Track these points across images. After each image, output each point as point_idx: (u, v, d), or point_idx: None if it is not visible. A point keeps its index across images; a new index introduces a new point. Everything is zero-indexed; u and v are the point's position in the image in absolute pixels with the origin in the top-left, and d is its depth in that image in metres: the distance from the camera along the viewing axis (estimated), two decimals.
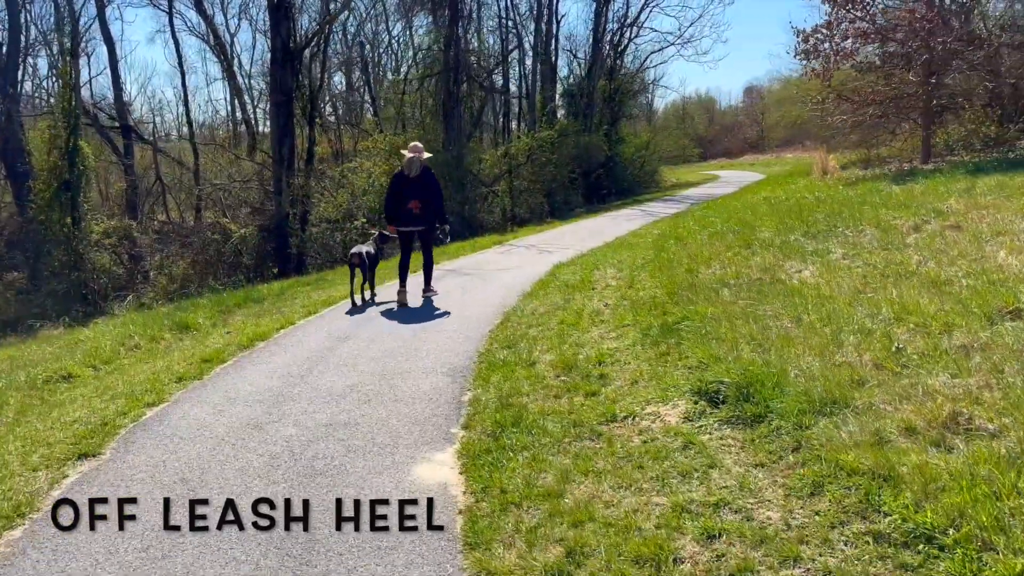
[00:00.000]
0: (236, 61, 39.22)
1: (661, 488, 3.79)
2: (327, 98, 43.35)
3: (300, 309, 9.90)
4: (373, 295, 9.91)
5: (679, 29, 55.81)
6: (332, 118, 38.91)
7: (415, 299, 9.62)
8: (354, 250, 9.59)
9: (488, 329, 7.82)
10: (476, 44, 32.66)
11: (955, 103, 15.17)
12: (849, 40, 15.13)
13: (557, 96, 39.57)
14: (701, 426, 4.42)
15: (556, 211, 30.51)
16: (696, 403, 4.70)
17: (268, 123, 32.17)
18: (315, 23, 32.87)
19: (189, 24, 48.41)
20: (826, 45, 15.92)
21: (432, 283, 9.78)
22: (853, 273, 6.85)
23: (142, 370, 7.33)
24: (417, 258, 10.02)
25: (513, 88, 41.51)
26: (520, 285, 10.38)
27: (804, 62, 17.03)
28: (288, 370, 6.75)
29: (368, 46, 42.60)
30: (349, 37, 41.77)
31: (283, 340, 8.09)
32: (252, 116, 38.76)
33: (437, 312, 9.02)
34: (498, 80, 35.62)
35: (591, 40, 38.92)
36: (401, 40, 42.83)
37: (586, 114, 35.72)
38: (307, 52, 29.63)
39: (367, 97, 42.04)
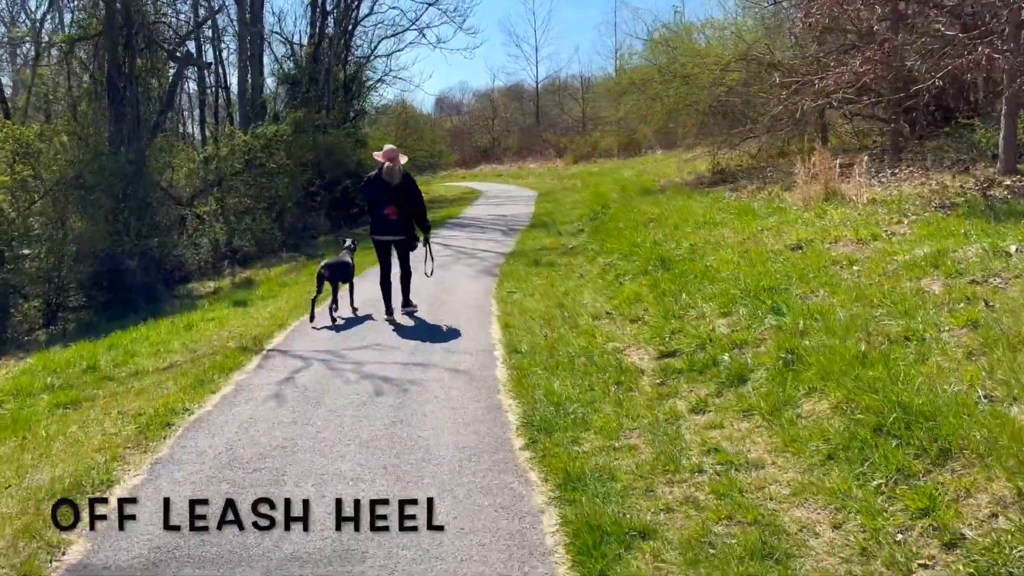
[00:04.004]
0: None
1: None
2: None
3: None
4: (351, 306, 8.94)
5: (416, 11, 47.93)
6: None
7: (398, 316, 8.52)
8: (325, 262, 8.97)
9: None
10: None
11: None
12: None
13: (275, 84, 30.03)
14: None
15: (295, 239, 21.28)
16: None
17: None
18: None
19: None
20: None
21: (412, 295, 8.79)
22: None
23: None
24: None
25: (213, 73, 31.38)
26: None
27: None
28: None
29: None
30: None
31: None
32: None
33: None
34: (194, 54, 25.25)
35: (311, 12, 29.91)
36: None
37: (320, 107, 26.68)
38: None
39: None
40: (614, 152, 41.41)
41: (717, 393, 4.97)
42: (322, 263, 8.87)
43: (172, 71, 21.74)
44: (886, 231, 7.45)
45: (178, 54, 21.56)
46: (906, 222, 7.76)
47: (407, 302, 8.78)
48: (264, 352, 7.51)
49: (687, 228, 10.36)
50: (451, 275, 11.72)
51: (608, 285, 9.20)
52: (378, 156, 8.69)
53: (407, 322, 8.56)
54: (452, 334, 7.88)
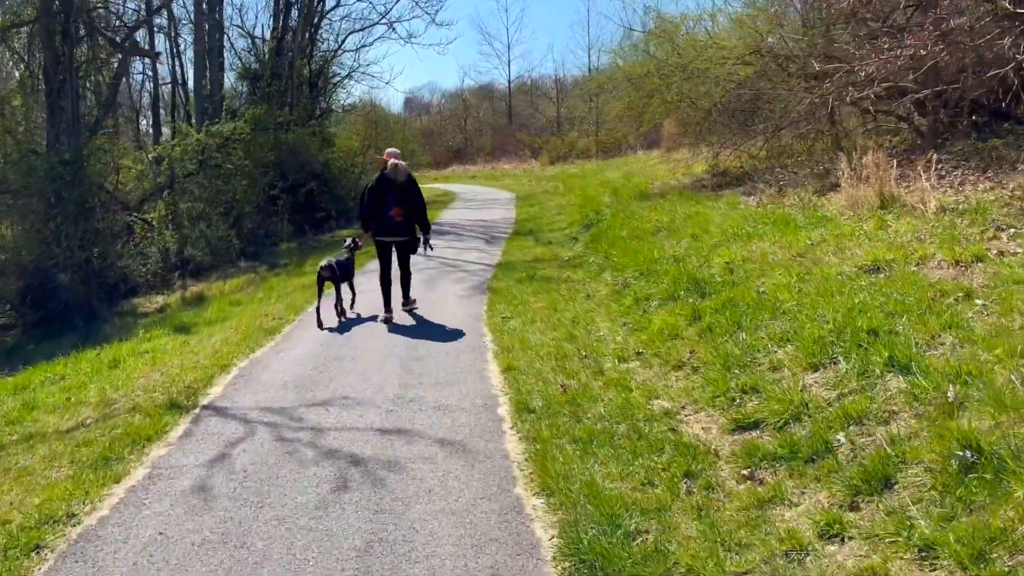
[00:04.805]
0: None
1: None
2: None
3: None
4: (351, 308, 8.93)
5: (385, 3, 45.81)
6: None
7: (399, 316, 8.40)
8: (325, 262, 8.66)
9: None
10: None
11: None
12: None
13: (235, 79, 28.01)
14: None
15: (254, 246, 19.40)
16: None
17: None
18: None
19: None
20: None
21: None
22: None
23: None
24: None
25: (165, 69, 29.53)
26: None
27: None
28: None
29: None
30: None
31: None
32: None
33: None
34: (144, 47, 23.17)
35: (274, 3, 27.98)
36: None
37: (282, 104, 24.74)
38: None
39: None
40: (592, 153, 39.83)
41: (850, 504, 3.36)
42: (321, 263, 8.73)
43: (115, 62, 19.74)
44: (989, 249, 5.93)
45: (124, 44, 19.55)
46: (1005, 237, 6.25)
47: (407, 300, 8.85)
48: (197, 410, 5.78)
49: (710, 240, 8.77)
50: (435, 293, 10.07)
51: (627, 312, 7.59)
52: (380, 157, 8.82)
53: (387, 358, 6.87)
54: (440, 380, 6.20)
